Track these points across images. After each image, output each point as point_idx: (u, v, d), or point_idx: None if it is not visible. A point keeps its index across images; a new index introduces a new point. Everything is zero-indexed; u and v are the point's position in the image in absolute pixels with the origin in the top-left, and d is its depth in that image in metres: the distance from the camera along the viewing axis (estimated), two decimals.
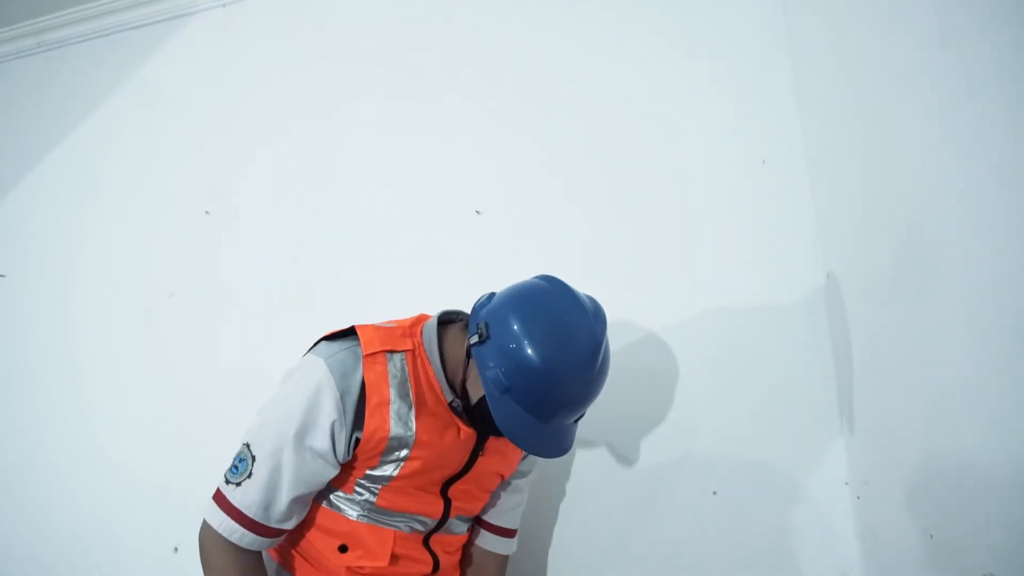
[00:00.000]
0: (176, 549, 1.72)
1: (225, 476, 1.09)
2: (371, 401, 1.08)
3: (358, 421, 1.08)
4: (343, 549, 1.16)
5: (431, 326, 1.18)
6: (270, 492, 1.06)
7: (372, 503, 1.15)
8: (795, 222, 1.47)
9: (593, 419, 1.54)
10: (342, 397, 1.06)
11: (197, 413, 1.78)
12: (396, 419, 1.10)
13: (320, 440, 1.06)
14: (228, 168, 1.87)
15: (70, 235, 1.97)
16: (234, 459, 1.09)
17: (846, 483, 1.39)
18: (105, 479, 1.83)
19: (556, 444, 1.09)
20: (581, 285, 1.51)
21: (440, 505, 1.21)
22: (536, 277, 1.16)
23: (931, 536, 0.97)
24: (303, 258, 1.78)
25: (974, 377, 0.82)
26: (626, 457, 1.53)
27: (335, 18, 1.83)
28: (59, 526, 1.84)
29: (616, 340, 1.54)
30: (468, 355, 1.10)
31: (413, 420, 1.11)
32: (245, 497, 1.05)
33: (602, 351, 1.08)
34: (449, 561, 1.28)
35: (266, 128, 1.85)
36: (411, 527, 1.20)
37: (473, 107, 1.70)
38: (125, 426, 1.84)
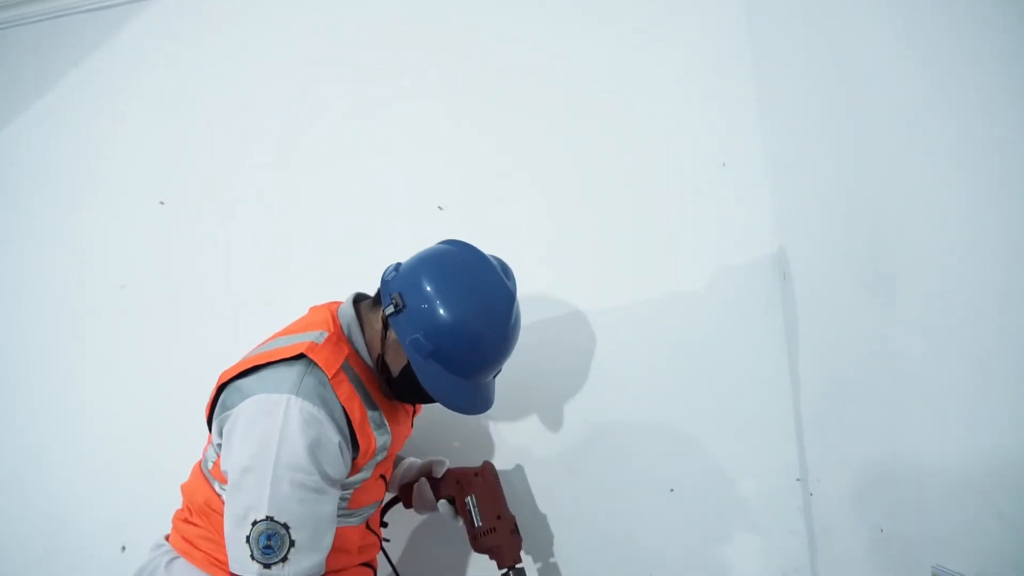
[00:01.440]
0: (124, 548, 1.67)
1: (258, 560, 0.96)
2: (354, 421, 1.05)
3: (353, 442, 1.06)
4: None
5: (348, 314, 1.15)
6: (319, 545, 1.01)
7: (344, 508, 1.13)
8: (754, 223, 1.49)
9: (550, 418, 1.55)
10: (335, 421, 1.02)
11: (147, 407, 1.73)
12: (376, 429, 1.10)
13: (337, 468, 1.03)
14: (184, 158, 1.82)
15: (15, 224, 1.89)
16: (257, 541, 0.96)
17: (798, 479, 1.42)
18: (45, 473, 1.77)
19: (482, 401, 1.12)
20: (542, 281, 1.53)
21: (383, 486, 1.23)
22: (441, 242, 1.18)
23: (881, 530, 1.00)
24: (261, 252, 1.73)
25: (927, 376, 0.85)
26: (584, 456, 1.53)
27: (297, 9, 1.79)
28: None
29: (574, 339, 1.55)
30: (385, 327, 1.10)
31: (386, 421, 1.13)
32: (299, 567, 0.98)
33: (515, 306, 1.11)
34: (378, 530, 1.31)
35: (224, 119, 1.80)
36: (364, 516, 1.20)
37: (436, 102, 1.68)
38: (70, 419, 1.78)
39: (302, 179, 1.74)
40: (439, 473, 1.35)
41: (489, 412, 1.26)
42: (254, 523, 0.96)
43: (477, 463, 1.39)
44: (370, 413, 1.10)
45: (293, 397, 0.99)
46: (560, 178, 1.60)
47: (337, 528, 1.08)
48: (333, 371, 1.05)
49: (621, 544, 1.49)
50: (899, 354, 0.93)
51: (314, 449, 0.99)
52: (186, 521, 1.15)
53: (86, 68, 1.90)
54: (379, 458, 1.13)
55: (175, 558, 1.13)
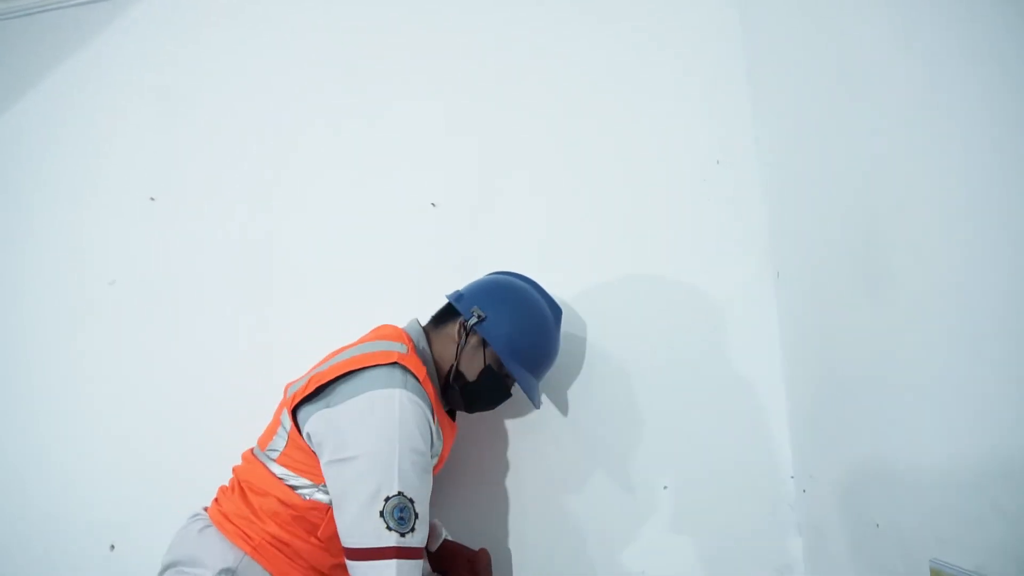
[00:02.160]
0: (112, 547, 1.65)
1: (395, 530, 1.09)
2: (436, 417, 1.23)
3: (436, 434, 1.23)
4: None
5: (417, 331, 1.33)
6: (427, 518, 1.16)
7: None
8: (748, 221, 1.50)
9: (544, 417, 1.55)
10: (429, 412, 1.19)
11: (140, 404, 1.71)
12: (437, 433, 1.25)
13: (434, 452, 1.21)
14: (176, 155, 1.80)
15: (6, 220, 1.87)
16: (392, 514, 1.10)
17: (792, 477, 1.43)
18: (34, 472, 1.74)
19: (538, 396, 1.37)
20: (536, 280, 1.53)
21: None
22: (491, 273, 1.43)
23: (877, 525, 1.01)
24: (253, 250, 1.72)
25: (921, 374, 0.86)
26: (578, 453, 1.54)
27: (293, 8, 1.78)
28: None
29: (567, 337, 1.55)
30: (460, 338, 1.30)
31: (442, 432, 1.29)
32: (422, 535, 1.13)
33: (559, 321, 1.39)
34: None
35: (216, 116, 1.79)
36: None
37: (431, 101, 1.68)
38: (61, 417, 1.75)
39: (296, 176, 1.73)
40: (433, 547, 1.43)
41: (484, 413, 1.42)
42: (387, 499, 1.09)
43: (476, 468, 1.40)
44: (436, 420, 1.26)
45: (403, 391, 1.15)
46: (554, 176, 1.61)
47: None
48: (422, 376, 1.22)
49: (615, 541, 1.49)
50: (891, 352, 0.93)
51: (424, 434, 1.15)
52: (228, 498, 1.26)
53: (78, 63, 1.88)
54: (433, 462, 1.25)
55: (207, 526, 1.23)
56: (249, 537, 1.19)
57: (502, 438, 1.56)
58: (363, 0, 1.73)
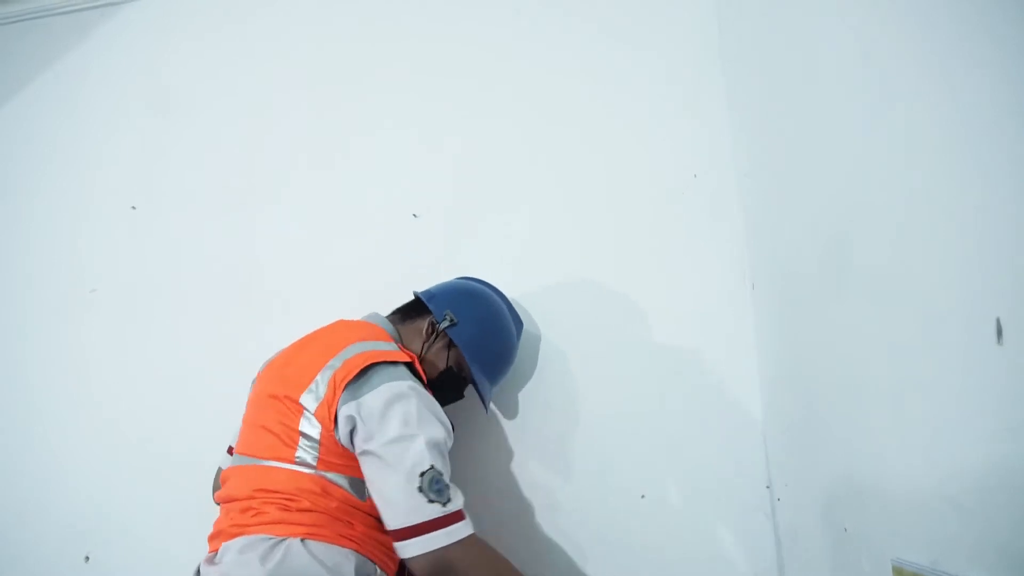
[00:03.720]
0: (87, 558, 1.64)
1: (436, 501, 1.14)
2: None
3: None
4: None
5: (393, 331, 1.38)
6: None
7: None
8: (724, 234, 1.53)
9: (522, 427, 1.56)
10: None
11: (119, 414, 1.70)
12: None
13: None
14: (157, 164, 1.81)
15: None
16: (431, 486, 1.15)
17: (767, 486, 1.45)
18: (4, 483, 1.73)
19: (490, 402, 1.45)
20: (515, 291, 1.55)
21: None
22: (459, 278, 1.50)
23: (845, 529, 1.02)
24: (233, 258, 1.73)
25: (889, 381, 0.87)
26: (556, 463, 1.54)
27: (268, 14, 1.80)
28: None
29: (545, 348, 1.57)
30: (427, 337, 1.37)
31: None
32: (460, 500, 1.18)
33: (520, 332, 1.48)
34: None
35: (197, 126, 1.80)
36: None
37: (411, 110, 1.69)
38: (37, 427, 1.74)
39: (277, 186, 1.74)
40: None
41: (463, 420, 1.45)
42: (422, 474, 1.14)
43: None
44: None
45: (414, 382, 1.22)
46: (533, 188, 1.63)
47: None
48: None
49: (593, 549, 1.50)
50: (863, 362, 0.95)
51: (439, 416, 1.22)
52: (287, 510, 1.18)
53: (58, 72, 1.88)
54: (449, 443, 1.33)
55: (300, 540, 1.15)
56: (352, 539, 1.19)
57: (481, 449, 1.57)
58: (342, 11, 1.75)
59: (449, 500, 1.16)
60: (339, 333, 1.33)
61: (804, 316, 1.21)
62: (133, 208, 1.78)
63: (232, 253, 1.73)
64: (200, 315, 1.72)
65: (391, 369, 1.22)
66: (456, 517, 1.16)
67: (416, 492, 1.14)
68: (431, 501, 1.14)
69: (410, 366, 1.27)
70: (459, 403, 1.44)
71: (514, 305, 1.49)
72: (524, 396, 1.56)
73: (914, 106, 0.77)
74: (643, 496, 1.50)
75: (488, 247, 1.62)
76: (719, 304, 1.52)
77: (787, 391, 1.34)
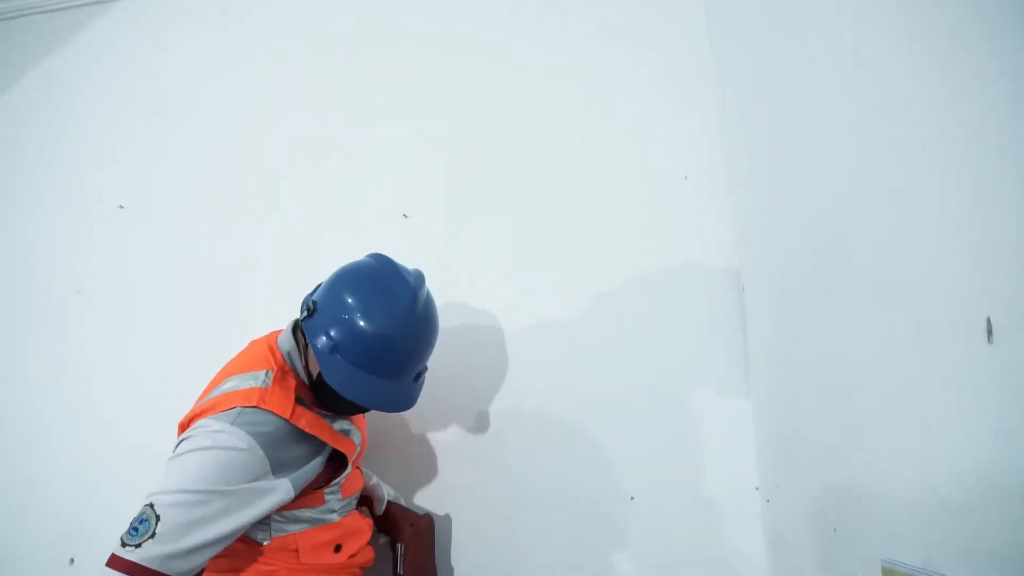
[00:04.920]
0: (72, 560, 1.62)
1: (127, 544, 0.99)
2: (328, 439, 1.19)
3: (336, 454, 1.23)
4: (338, 549, 1.23)
5: (289, 342, 1.21)
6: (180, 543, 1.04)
7: (340, 498, 1.25)
8: (714, 236, 1.53)
9: (510, 428, 1.56)
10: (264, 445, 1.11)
11: (105, 416, 1.69)
12: (348, 434, 1.25)
13: (239, 478, 1.10)
14: (145, 163, 1.79)
15: None
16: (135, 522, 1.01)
17: (757, 488, 1.45)
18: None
19: (402, 399, 1.19)
20: (505, 292, 1.54)
21: (360, 475, 1.36)
22: (364, 256, 1.24)
23: (835, 530, 1.02)
24: (222, 258, 1.72)
25: (879, 382, 0.87)
26: (545, 465, 1.54)
27: (259, 13, 1.79)
28: None
29: (534, 349, 1.56)
30: (301, 339, 1.19)
31: (351, 422, 1.28)
32: (149, 551, 1.00)
33: (419, 307, 1.16)
34: None
35: (188, 124, 1.79)
36: (354, 503, 1.33)
37: (402, 111, 1.69)
38: (21, 429, 1.72)
39: (268, 187, 1.73)
40: (379, 510, 1.45)
41: (455, 422, 1.45)
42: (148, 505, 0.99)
43: (437, 471, 1.39)
44: (336, 425, 1.20)
45: (232, 433, 1.04)
46: (523, 189, 1.62)
47: (347, 517, 1.26)
48: (289, 412, 1.10)
49: (582, 551, 1.50)
50: (853, 363, 0.95)
51: (224, 472, 1.02)
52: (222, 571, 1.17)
53: (45, 70, 1.87)
54: (357, 452, 1.26)
55: None
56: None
57: (467, 450, 1.56)
58: (334, 13, 1.75)
59: (139, 547, 0.96)
60: (227, 367, 1.23)
61: (794, 317, 1.21)
62: (121, 207, 1.77)
63: (228, 252, 1.72)
64: (198, 315, 1.71)
65: (210, 421, 1.07)
66: (122, 565, 0.95)
67: (130, 521, 0.99)
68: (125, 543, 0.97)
69: (254, 409, 1.08)
70: (449, 407, 1.43)
71: (500, 306, 1.48)
72: (514, 398, 1.55)
73: (905, 106, 0.78)
74: (632, 498, 1.49)
75: (479, 247, 1.61)
76: (708, 306, 1.52)
77: (777, 393, 1.34)
